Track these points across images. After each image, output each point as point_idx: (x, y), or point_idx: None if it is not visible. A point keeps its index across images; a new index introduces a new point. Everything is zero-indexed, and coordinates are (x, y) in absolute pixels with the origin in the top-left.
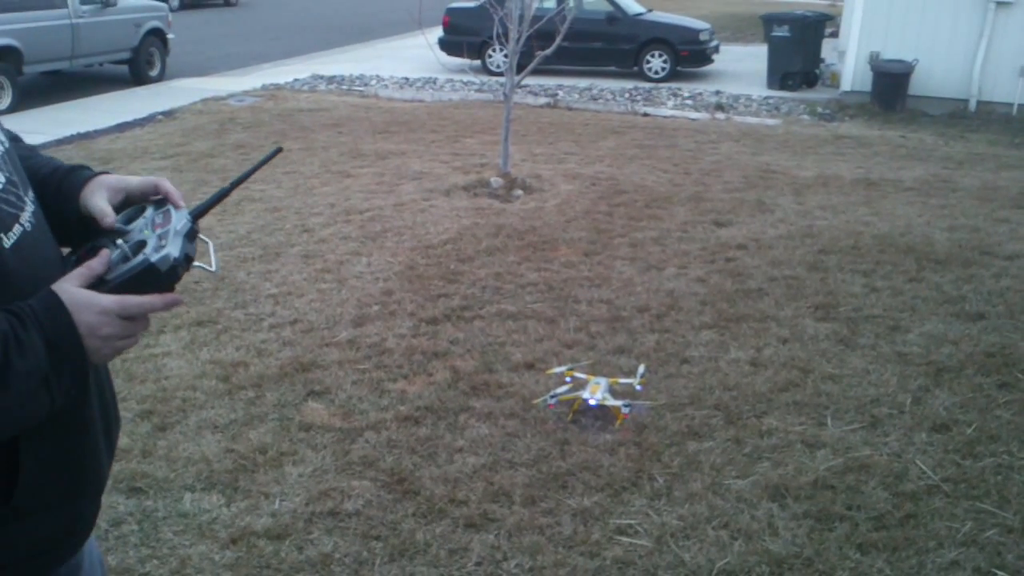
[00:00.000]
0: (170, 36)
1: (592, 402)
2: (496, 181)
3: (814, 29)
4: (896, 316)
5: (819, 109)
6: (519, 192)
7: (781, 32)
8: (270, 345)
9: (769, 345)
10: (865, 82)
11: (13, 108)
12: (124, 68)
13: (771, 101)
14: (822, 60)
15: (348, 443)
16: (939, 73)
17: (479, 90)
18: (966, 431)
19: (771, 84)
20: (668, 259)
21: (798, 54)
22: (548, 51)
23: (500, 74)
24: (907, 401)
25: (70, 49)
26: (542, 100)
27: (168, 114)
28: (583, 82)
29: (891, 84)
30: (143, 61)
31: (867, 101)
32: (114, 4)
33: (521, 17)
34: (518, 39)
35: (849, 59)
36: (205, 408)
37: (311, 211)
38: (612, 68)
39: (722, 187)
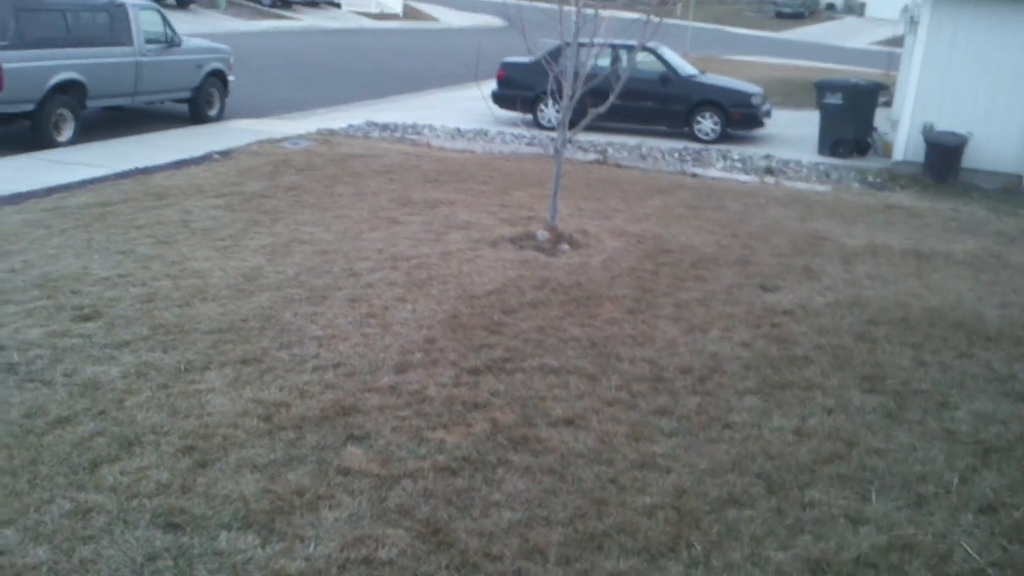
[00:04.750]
0: (230, 78)
1: None
2: (543, 235)
3: (867, 98)
4: (944, 392)
5: (870, 178)
6: (565, 246)
7: (834, 99)
8: (313, 387)
9: (814, 414)
10: (918, 153)
11: (74, 140)
12: (184, 106)
13: (821, 167)
14: (874, 129)
15: (385, 490)
16: (993, 147)
17: (530, 144)
18: (1014, 514)
19: (822, 151)
20: (713, 321)
21: (850, 122)
22: (600, 109)
23: (551, 129)
24: (954, 480)
25: (133, 86)
26: (591, 156)
27: (224, 154)
28: (633, 140)
29: (944, 156)
30: (203, 101)
31: (919, 172)
32: (178, 45)
33: (575, 74)
34: (571, 96)
35: (902, 129)
36: (245, 447)
37: (359, 256)
38: (663, 128)
39: (770, 251)
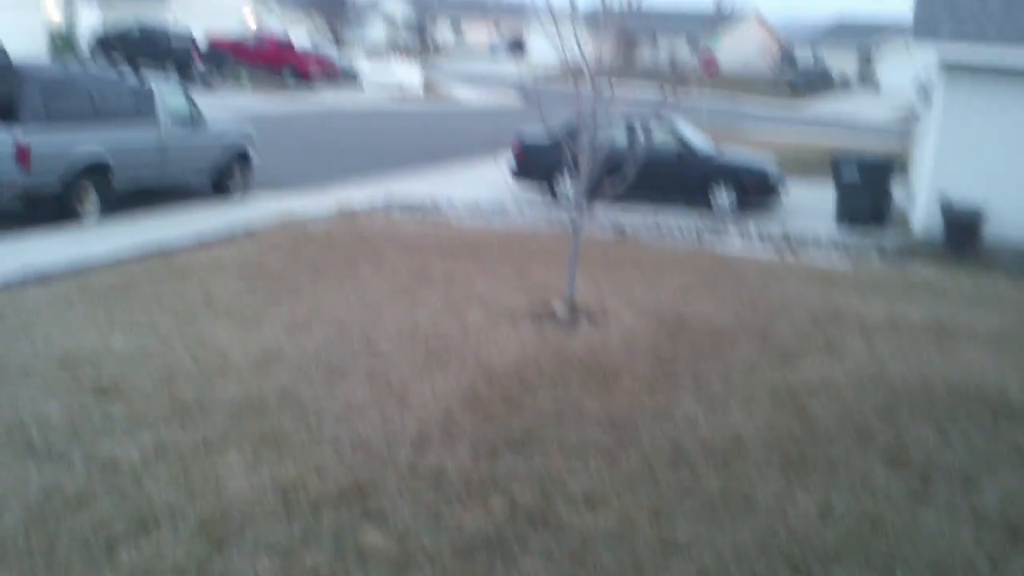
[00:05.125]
0: (254, 156)
1: None
2: (561, 310)
3: (883, 171)
4: (970, 471)
5: (889, 251)
6: (583, 322)
7: (850, 173)
8: (330, 465)
9: (838, 494)
10: (936, 225)
11: (99, 217)
12: (206, 183)
13: (840, 241)
14: (892, 202)
15: (402, 572)
16: (1013, 219)
17: (547, 218)
18: None
19: (840, 224)
20: (734, 397)
21: (867, 195)
22: (616, 189)
23: (569, 202)
24: (983, 564)
25: (158, 165)
26: (609, 230)
27: (247, 231)
28: (651, 215)
29: (963, 228)
30: (227, 178)
31: (938, 244)
32: (204, 124)
33: (592, 150)
34: (588, 174)
35: (920, 202)
36: (262, 527)
37: (378, 331)
38: (680, 201)
39: (789, 326)
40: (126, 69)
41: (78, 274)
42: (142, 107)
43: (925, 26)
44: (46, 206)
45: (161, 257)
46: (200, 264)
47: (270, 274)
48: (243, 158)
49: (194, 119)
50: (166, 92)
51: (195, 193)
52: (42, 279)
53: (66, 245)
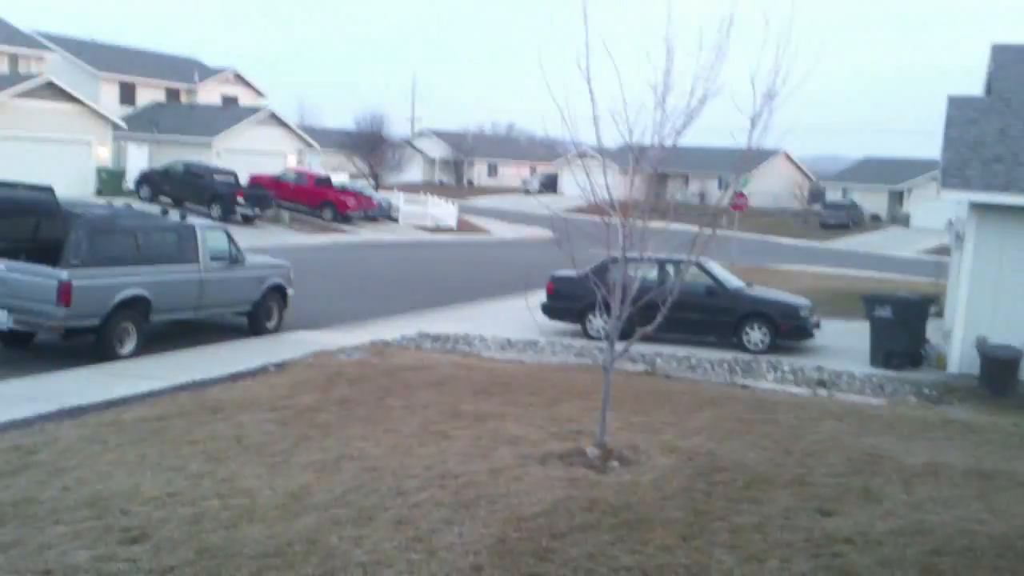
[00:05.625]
0: (290, 292)
1: None
2: (592, 451)
3: (917, 310)
4: None
5: (925, 391)
6: (615, 463)
7: (883, 312)
8: None
9: None
10: (972, 365)
11: (136, 352)
12: (243, 318)
13: (875, 380)
14: (927, 341)
15: None
16: None
17: (579, 355)
18: None
19: (874, 362)
20: (770, 550)
21: (901, 334)
22: (648, 328)
23: (600, 339)
24: None
25: (197, 301)
26: (640, 367)
27: (280, 366)
28: (682, 351)
29: (1000, 369)
30: (262, 314)
31: (975, 385)
32: (241, 261)
33: (624, 289)
34: (620, 313)
35: (955, 342)
36: None
37: (407, 473)
38: (711, 339)
39: (826, 470)
40: (168, 208)
41: (112, 410)
42: (182, 245)
43: (954, 175)
44: (85, 341)
45: (194, 393)
46: (232, 400)
47: (301, 411)
48: (279, 294)
49: (233, 257)
50: (206, 230)
51: (232, 328)
52: (77, 414)
53: (102, 380)
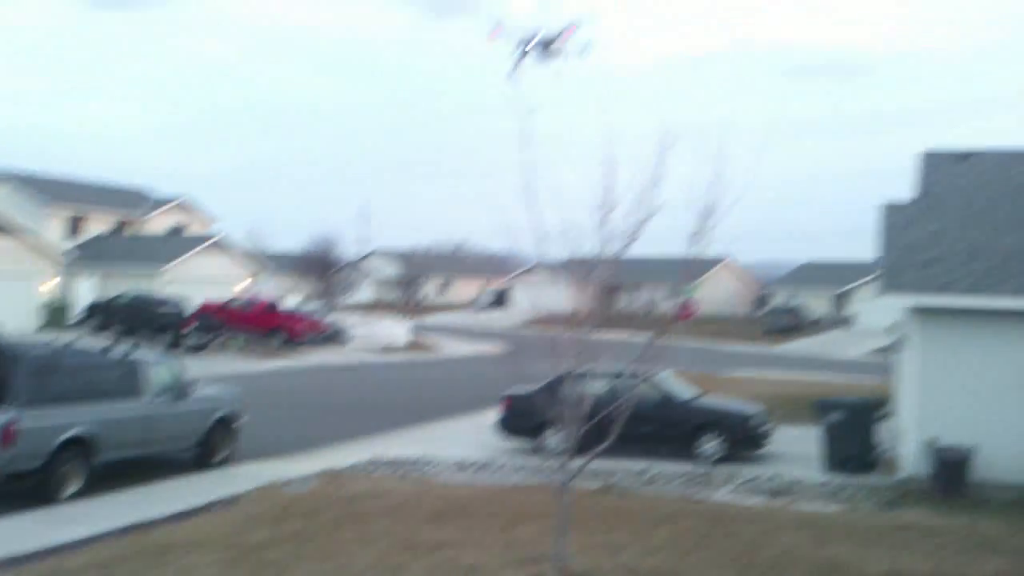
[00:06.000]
0: (239, 423)
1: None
2: None
3: (868, 414)
4: None
5: (880, 495)
6: None
7: (835, 417)
8: None
9: None
10: (925, 467)
11: (80, 494)
12: (191, 452)
13: (830, 486)
14: (879, 444)
15: None
16: (1001, 458)
17: (535, 473)
18: None
19: (828, 468)
20: None
21: (853, 439)
22: (602, 447)
23: (556, 455)
24: None
25: (143, 438)
26: (597, 484)
27: (228, 502)
28: (638, 464)
29: (952, 470)
30: (210, 447)
31: (929, 486)
32: (189, 394)
33: (577, 403)
34: (574, 428)
35: (907, 444)
36: None
37: None
38: (666, 451)
39: None
40: (113, 342)
41: (53, 558)
42: (128, 380)
43: (893, 279)
44: (26, 484)
45: (140, 535)
46: (180, 541)
47: (251, 549)
48: (229, 425)
49: (180, 388)
50: (153, 364)
51: (180, 462)
52: (14, 565)
53: (43, 526)
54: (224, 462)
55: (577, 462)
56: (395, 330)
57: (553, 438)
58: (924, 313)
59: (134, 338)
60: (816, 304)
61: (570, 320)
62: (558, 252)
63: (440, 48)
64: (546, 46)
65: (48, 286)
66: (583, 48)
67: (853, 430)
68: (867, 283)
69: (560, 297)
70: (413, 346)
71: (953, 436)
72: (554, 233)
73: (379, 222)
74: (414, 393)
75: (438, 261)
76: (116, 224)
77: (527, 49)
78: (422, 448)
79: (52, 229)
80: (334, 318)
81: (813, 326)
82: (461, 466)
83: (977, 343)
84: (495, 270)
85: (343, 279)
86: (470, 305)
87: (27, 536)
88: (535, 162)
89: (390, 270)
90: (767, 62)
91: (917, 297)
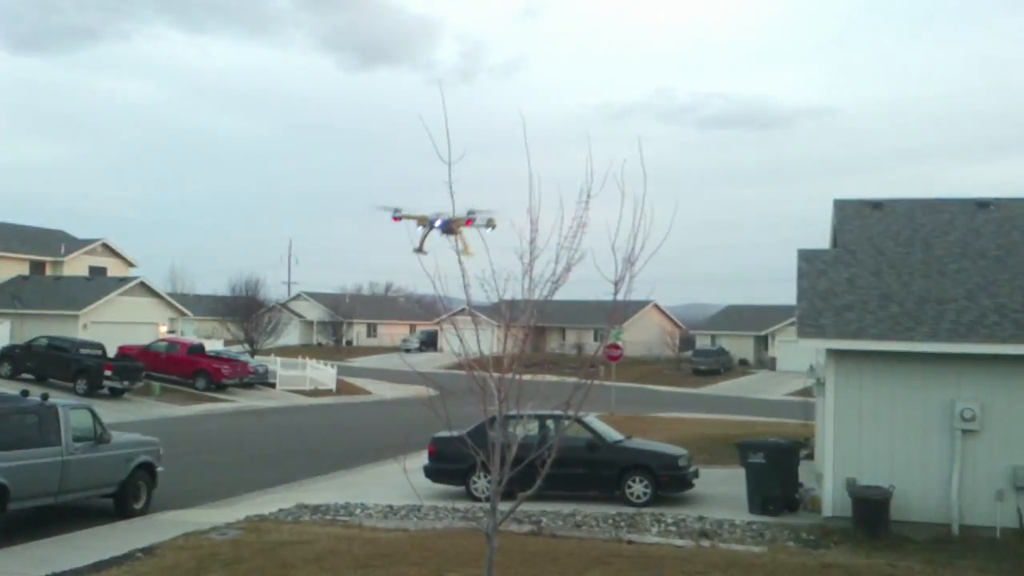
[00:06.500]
0: (159, 469)
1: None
2: None
3: (789, 455)
4: None
5: (803, 535)
6: None
7: (757, 459)
8: None
9: None
10: (846, 507)
11: None
12: (109, 500)
13: (754, 527)
14: (801, 484)
15: None
16: (917, 498)
17: (463, 518)
18: None
19: (752, 509)
20: None
21: (776, 479)
22: (530, 492)
23: (485, 499)
24: None
25: (59, 486)
26: (526, 527)
27: (147, 551)
28: (567, 507)
29: (871, 510)
30: (130, 494)
31: (850, 526)
32: (107, 441)
33: (504, 447)
34: (501, 472)
35: (827, 484)
36: None
37: None
38: (594, 493)
39: None
40: (28, 389)
41: None
42: (43, 427)
43: (809, 324)
44: None
45: None
46: None
47: None
48: (148, 472)
49: (98, 436)
50: (69, 410)
51: (96, 511)
52: None
53: None
54: (144, 510)
55: (505, 506)
56: (323, 373)
57: (480, 482)
58: (838, 356)
59: (50, 383)
60: (740, 346)
61: (498, 363)
62: (485, 295)
63: (365, 94)
64: (446, 229)
65: None
66: (485, 226)
67: (775, 471)
68: (789, 326)
69: (488, 340)
70: (342, 389)
71: (870, 476)
72: (476, 284)
73: (305, 265)
74: (341, 437)
75: (366, 304)
76: (33, 266)
77: (427, 231)
78: (349, 494)
79: None
80: (260, 361)
81: (737, 368)
82: (389, 512)
83: (891, 385)
84: (423, 314)
85: (268, 322)
86: (399, 348)
87: None
88: (461, 207)
89: (316, 313)
90: (689, 112)
91: (833, 341)
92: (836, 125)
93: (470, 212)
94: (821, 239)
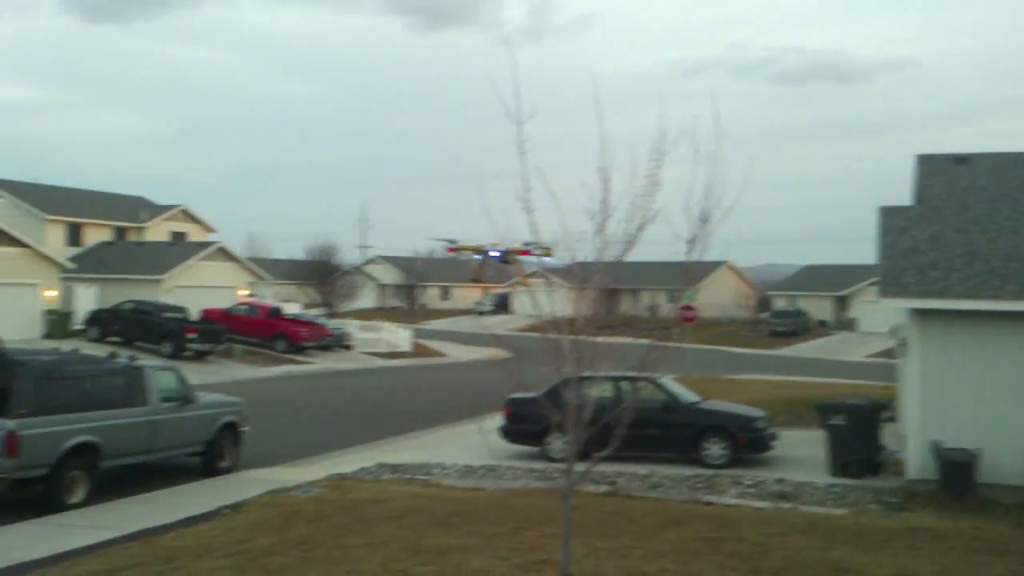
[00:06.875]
0: (243, 429)
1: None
2: None
3: (870, 417)
4: None
5: (886, 498)
6: None
7: (837, 420)
8: None
9: None
10: (930, 470)
11: (86, 501)
12: (196, 459)
13: (835, 489)
14: (883, 447)
15: None
16: (1007, 460)
17: (540, 478)
18: None
19: (833, 471)
20: None
21: (857, 442)
22: (605, 452)
23: (560, 460)
24: None
25: (148, 444)
26: (602, 488)
27: (234, 508)
28: (643, 468)
29: (957, 473)
30: (215, 453)
31: (934, 489)
32: (193, 401)
33: (580, 408)
34: (577, 433)
35: (911, 447)
36: None
37: None
38: (670, 455)
39: None
40: (116, 351)
41: (60, 565)
42: (131, 388)
43: (892, 283)
44: (33, 491)
45: (146, 542)
46: (186, 548)
47: (257, 556)
48: (233, 432)
49: (184, 396)
50: (155, 371)
51: (184, 469)
52: (22, 572)
53: (50, 533)
54: (230, 469)
55: (581, 467)
56: (398, 336)
57: (555, 443)
58: (924, 316)
59: (136, 346)
60: (819, 307)
61: (571, 325)
62: (558, 257)
63: (434, 56)
64: (502, 260)
65: (49, 295)
66: (541, 255)
67: (856, 433)
68: (870, 285)
69: (561, 302)
70: (417, 352)
71: (957, 439)
72: (553, 239)
73: (379, 229)
74: (417, 398)
75: (438, 267)
76: (116, 232)
77: (484, 261)
78: (428, 454)
79: (53, 238)
80: (337, 324)
81: (816, 329)
82: (466, 472)
83: (978, 345)
84: (496, 276)
85: (344, 285)
86: (472, 311)
87: (34, 543)
88: (532, 168)
89: (390, 277)
90: (762, 67)
91: (917, 300)
92: (917, 78)
93: (526, 244)
94: (902, 196)
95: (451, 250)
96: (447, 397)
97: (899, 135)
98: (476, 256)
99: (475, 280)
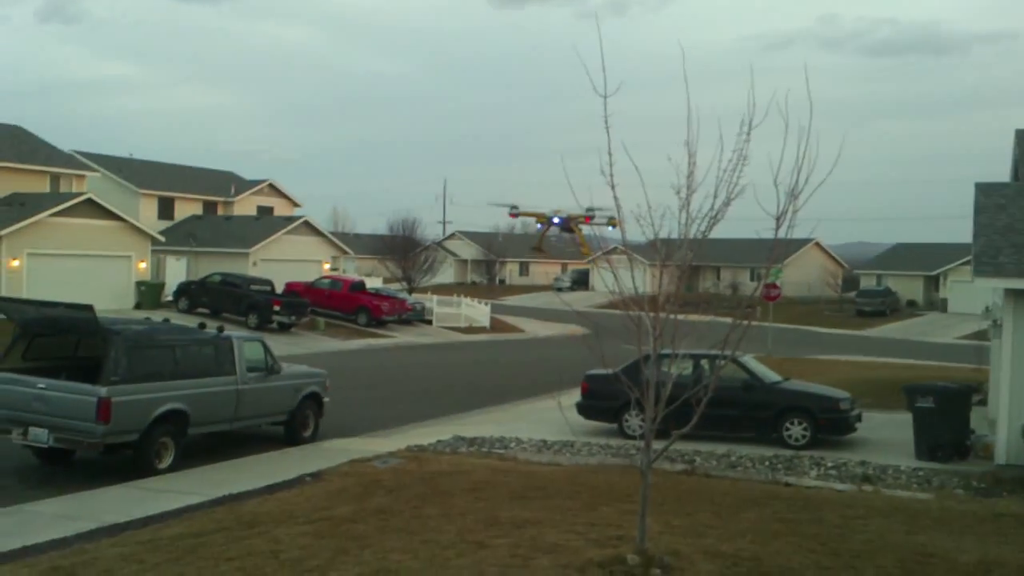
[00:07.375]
0: (326, 399)
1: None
2: (633, 559)
3: (960, 400)
4: None
5: (974, 483)
6: (656, 572)
7: (925, 403)
8: None
9: None
10: (1021, 454)
11: (174, 467)
12: (279, 428)
13: (921, 473)
14: (972, 431)
15: None
16: None
17: (616, 455)
18: None
19: (919, 455)
20: None
21: (945, 425)
22: (685, 429)
23: (637, 438)
24: None
25: (233, 413)
26: (679, 467)
27: (316, 476)
28: (721, 447)
29: None
30: (298, 423)
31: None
32: (278, 371)
33: (659, 387)
34: (655, 411)
35: (1001, 431)
36: None
37: None
38: (750, 435)
39: (875, 572)
40: (205, 321)
41: (150, 527)
42: (219, 358)
43: (987, 262)
44: (124, 456)
45: (231, 507)
46: (269, 514)
47: (338, 523)
48: (316, 402)
49: (269, 367)
50: (242, 342)
51: (268, 438)
52: (115, 533)
53: (141, 496)
54: (312, 438)
55: (659, 445)
56: (478, 311)
57: (633, 420)
58: (1019, 296)
59: (223, 317)
60: (908, 287)
61: (652, 302)
62: (639, 233)
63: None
64: (564, 227)
65: (142, 267)
66: (605, 224)
67: (944, 416)
68: (962, 265)
69: (641, 279)
70: (495, 327)
71: None
72: (636, 214)
73: (459, 205)
74: (495, 373)
75: (518, 243)
76: (206, 206)
77: (546, 228)
78: (504, 428)
79: (144, 211)
80: (417, 298)
81: (905, 309)
82: (543, 447)
83: None
84: (575, 252)
85: (425, 260)
86: (551, 287)
87: (125, 506)
88: (615, 144)
89: (470, 252)
90: (854, 39)
91: (1013, 280)
92: (1016, 51)
93: (588, 210)
94: (1000, 174)
95: (512, 214)
96: (524, 372)
97: (997, 110)
98: (538, 225)
99: (536, 248)
